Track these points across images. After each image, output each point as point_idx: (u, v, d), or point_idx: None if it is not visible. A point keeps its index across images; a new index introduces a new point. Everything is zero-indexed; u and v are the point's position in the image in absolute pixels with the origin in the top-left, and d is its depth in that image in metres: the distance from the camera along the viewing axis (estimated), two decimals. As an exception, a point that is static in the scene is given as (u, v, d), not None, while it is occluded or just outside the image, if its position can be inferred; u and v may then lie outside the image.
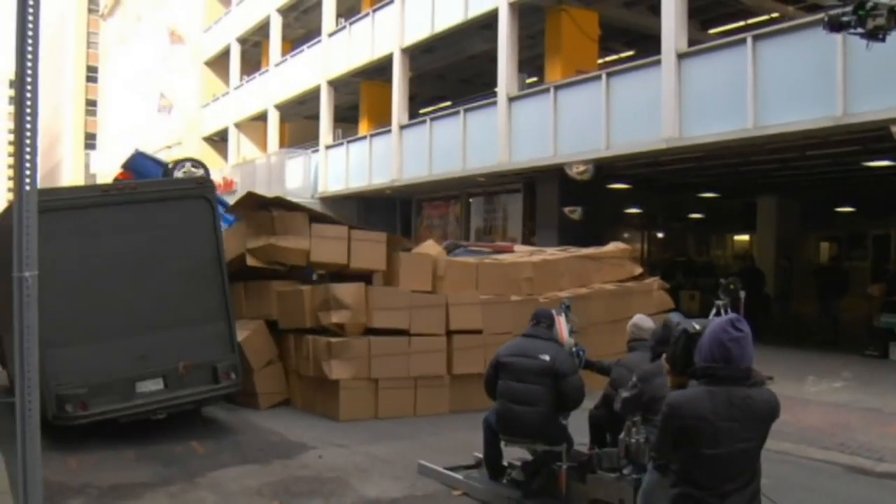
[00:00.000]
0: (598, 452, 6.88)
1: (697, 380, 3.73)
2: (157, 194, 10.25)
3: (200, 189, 10.43)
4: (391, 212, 27.43)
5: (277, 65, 31.27)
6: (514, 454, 7.59)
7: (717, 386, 3.62)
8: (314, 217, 11.85)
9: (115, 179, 14.34)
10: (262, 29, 32.50)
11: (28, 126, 4.41)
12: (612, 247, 14.57)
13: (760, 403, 3.69)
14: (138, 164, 14.30)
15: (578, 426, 7.44)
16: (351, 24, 26.40)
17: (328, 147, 27.83)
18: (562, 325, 7.46)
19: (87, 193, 11.37)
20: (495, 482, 7.51)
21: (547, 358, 6.98)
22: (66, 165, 70.01)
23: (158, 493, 7.58)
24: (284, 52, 31.08)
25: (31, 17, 4.38)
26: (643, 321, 7.31)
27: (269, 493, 7.60)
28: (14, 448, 5.14)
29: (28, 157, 4.41)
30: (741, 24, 19.14)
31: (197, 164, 15.26)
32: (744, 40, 13.96)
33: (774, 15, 18.59)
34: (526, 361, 7.05)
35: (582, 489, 6.83)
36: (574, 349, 7.54)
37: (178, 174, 13.89)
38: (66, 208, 9.31)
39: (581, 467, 6.92)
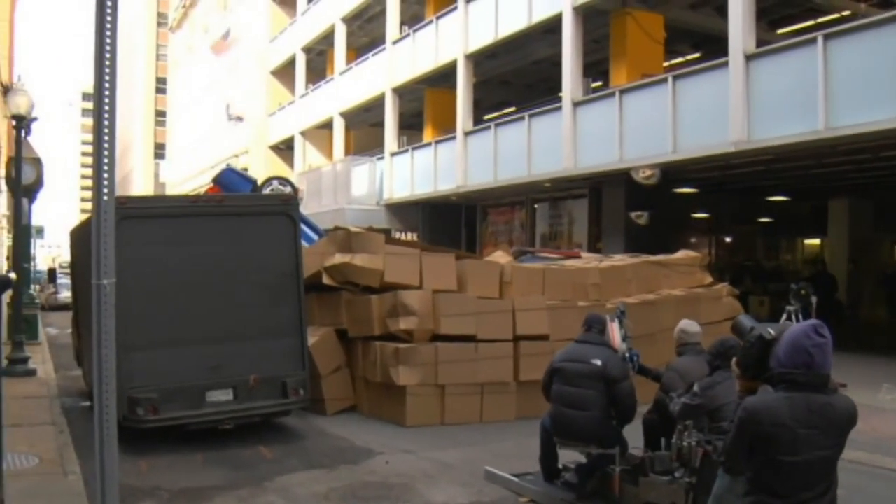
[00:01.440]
0: (650, 455, 6.94)
1: (773, 386, 3.66)
2: (241, 208, 10.47)
3: (284, 206, 10.64)
4: (456, 218, 27.41)
5: (342, 73, 31.55)
6: (569, 457, 7.58)
7: (796, 392, 3.56)
8: (389, 240, 12.04)
9: (205, 193, 14.68)
10: (327, 38, 32.86)
11: (106, 137, 4.47)
12: (682, 254, 14.38)
13: (840, 410, 3.61)
14: (228, 180, 14.59)
15: (633, 431, 7.41)
16: (415, 31, 26.54)
17: (393, 154, 27.98)
18: (614, 331, 7.51)
19: (175, 203, 11.73)
20: (549, 484, 7.54)
21: (598, 362, 7.02)
22: (137, 175, 71.87)
23: (227, 496, 7.69)
24: (349, 60, 31.36)
25: (108, 33, 4.45)
26: (689, 326, 7.39)
27: (336, 498, 7.65)
28: (88, 450, 5.24)
29: (106, 167, 4.47)
30: (811, 23, 18.76)
31: (284, 181, 15.56)
32: (814, 40, 13.67)
33: (846, 13, 18.16)
34: (578, 366, 7.11)
35: (635, 492, 6.87)
36: (627, 354, 7.53)
37: (266, 191, 14.18)
38: (152, 216, 9.58)
39: (634, 470, 6.95)
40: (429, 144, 26.14)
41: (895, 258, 24.31)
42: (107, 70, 4.46)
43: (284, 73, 38.25)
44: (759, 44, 15.18)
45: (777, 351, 3.68)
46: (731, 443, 3.81)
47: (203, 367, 9.45)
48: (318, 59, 35.37)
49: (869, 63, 12.90)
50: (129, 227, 8.77)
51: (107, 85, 4.47)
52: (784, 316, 12.80)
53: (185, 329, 9.45)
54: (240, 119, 41.01)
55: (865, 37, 13.07)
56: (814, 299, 12.69)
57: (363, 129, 32.83)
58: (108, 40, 4.45)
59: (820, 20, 18.61)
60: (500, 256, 13.21)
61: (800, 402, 3.54)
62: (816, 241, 26.83)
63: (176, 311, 9.43)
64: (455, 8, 23.84)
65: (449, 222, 27.13)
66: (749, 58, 14.86)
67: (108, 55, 4.46)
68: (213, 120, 46.49)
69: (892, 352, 16.53)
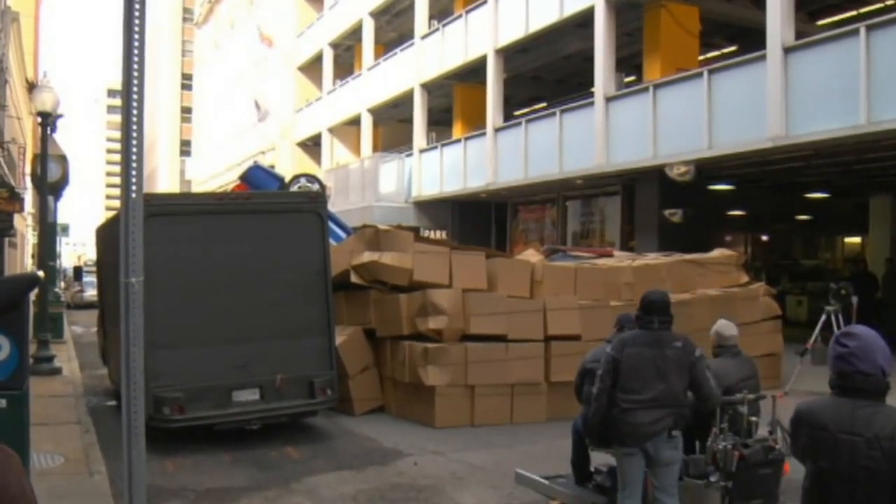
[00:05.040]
0: (684, 459, 6.72)
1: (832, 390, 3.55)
2: (268, 206, 10.42)
3: (312, 203, 10.57)
4: (486, 216, 27.29)
5: (370, 68, 31.43)
6: (601, 459, 7.43)
7: (844, 398, 3.42)
8: (418, 238, 11.98)
9: (232, 190, 14.65)
10: (355, 33, 32.77)
11: (134, 135, 4.42)
12: (718, 253, 14.15)
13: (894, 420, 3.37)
14: (255, 177, 14.56)
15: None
16: (444, 25, 26.36)
17: (422, 151, 27.82)
18: None
19: (201, 201, 11.70)
20: (581, 487, 7.40)
21: None
22: (163, 172, 72.23)
23: (254, 497, 7.64)
24: (377, 55, 31.26)
25: (136, 29, 4.40)
26: (726, 328, 7.16)
27: (364, 499, 7.58)
28: (114, 450, 5.14)
29: (134, 164, 4.43)
30: (853, 13, 18.40)
31: (312, 179, 15.49)
32: (856, 31, 13.33)
33: (889, 3, 17.75)
34: None
35: (668, 496, 6.65)
36: None
37: (294, 189, 14.12)
38: (178, 214, 9.49)
39: None
40: (458, 141, 25.97)
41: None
42: (135, 67, 4.45)
43: (311, 68, 38.20)
44: (798, 36, 14.85)
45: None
46: (792, 445, 3.71)
47: (229, 367, 9.39)
48: (346, 55, 35.31)
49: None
50: (156, 225, 8.68)
51: (135, 82, 4.45)
52: (823, 317, 12.55)
53: (211, 328, 9.39)
54: (265, 116, 40.99)
55: (910, 28, 12.74)
56: (854, 299, 12.42)
57: (391, 125, 32.76)
58: (136, 37, 4.45)
59: (862, 10, 18.21)
60: (531, 255, 13.02)
61: (844, 407, 3.39)
62: (857, 240, 26.39)
63: (202, 309, 9.36)
64: (485, 2, 23.62)
65: (479, 220, 27.01)
66: (788, 50, 14.53)
67: (136, 52, 4.46)
68: (239, 116, 46.59)
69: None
